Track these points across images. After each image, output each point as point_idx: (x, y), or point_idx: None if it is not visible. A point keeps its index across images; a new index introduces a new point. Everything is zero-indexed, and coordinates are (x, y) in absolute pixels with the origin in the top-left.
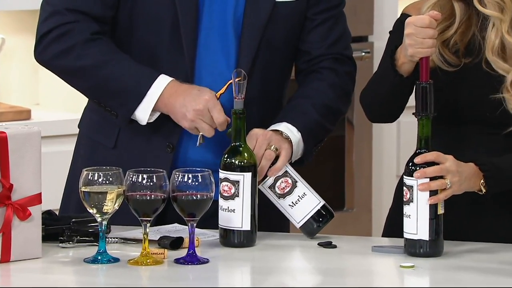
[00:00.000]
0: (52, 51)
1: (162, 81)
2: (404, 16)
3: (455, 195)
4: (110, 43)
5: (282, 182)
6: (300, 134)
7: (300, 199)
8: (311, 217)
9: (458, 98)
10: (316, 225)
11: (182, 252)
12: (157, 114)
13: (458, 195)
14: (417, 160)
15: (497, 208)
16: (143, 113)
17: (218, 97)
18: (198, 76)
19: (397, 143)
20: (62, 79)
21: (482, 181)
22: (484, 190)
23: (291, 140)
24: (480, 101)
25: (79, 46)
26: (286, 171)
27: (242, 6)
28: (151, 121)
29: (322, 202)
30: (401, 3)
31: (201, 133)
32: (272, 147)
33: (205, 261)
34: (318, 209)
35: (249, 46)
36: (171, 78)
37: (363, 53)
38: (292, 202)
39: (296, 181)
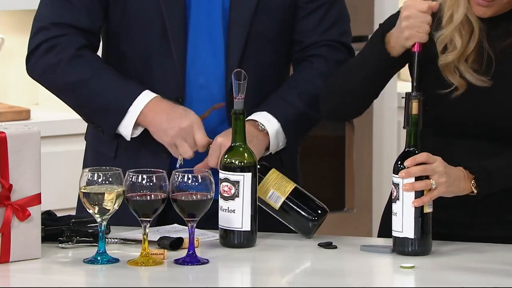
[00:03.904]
0: (41, 66)
1: (145, 97)
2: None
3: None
4: (95, 57)
5: None
6: (279, 124)
7: None
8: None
9: (469, 113)
10: (311, 224)
11: (182, 253)
12: (140, 129)
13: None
14: (407, 163)
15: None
16: (126, 129)
17: (201, 120)
18: (190, 78)
19: (397, 143)
20: (54, 94)
21: (473, 182)
22: (475, 191)
23: (267, 132)
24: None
25: (64, 63)
26: None
27: (228, 3)
28: (135, 136)
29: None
30: (401, 3)
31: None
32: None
33: (205, 262)
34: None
35: (236, 43)
36: (154, 95)
37: None
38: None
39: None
